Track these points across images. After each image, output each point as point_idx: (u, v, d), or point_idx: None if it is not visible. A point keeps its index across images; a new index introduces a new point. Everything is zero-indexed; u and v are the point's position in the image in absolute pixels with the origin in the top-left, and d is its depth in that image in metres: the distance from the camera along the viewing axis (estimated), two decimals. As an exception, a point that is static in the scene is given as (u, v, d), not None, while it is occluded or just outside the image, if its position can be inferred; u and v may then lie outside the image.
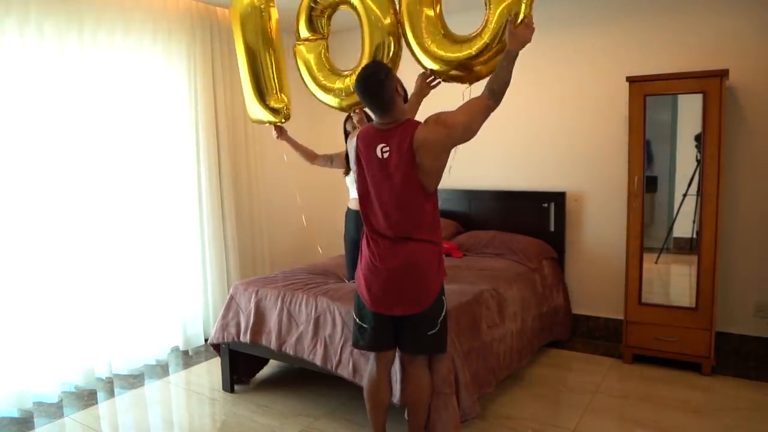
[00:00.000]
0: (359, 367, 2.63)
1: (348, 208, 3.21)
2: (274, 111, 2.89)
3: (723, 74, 3.11)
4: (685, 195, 3.39)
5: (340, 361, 2.69)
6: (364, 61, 2.49)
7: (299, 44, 2.78)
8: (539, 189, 4.04)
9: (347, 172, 3.19)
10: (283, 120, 2.93)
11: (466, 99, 2.21)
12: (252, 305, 3.07)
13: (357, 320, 2.31)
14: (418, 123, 2.13)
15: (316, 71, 2.74)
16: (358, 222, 3.14)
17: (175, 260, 3.88)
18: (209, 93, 4.02)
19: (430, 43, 2.32)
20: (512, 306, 3.18)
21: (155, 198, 3.75)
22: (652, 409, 2.88)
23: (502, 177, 4.22)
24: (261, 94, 2.87)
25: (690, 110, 3.34)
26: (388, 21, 2.44)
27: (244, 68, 2.87)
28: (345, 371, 2.67)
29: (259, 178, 4.47)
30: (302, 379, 3.39)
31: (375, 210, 2.20)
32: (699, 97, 3.19)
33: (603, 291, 3.90)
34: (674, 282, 3.62)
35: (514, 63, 2.11)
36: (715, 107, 3.13)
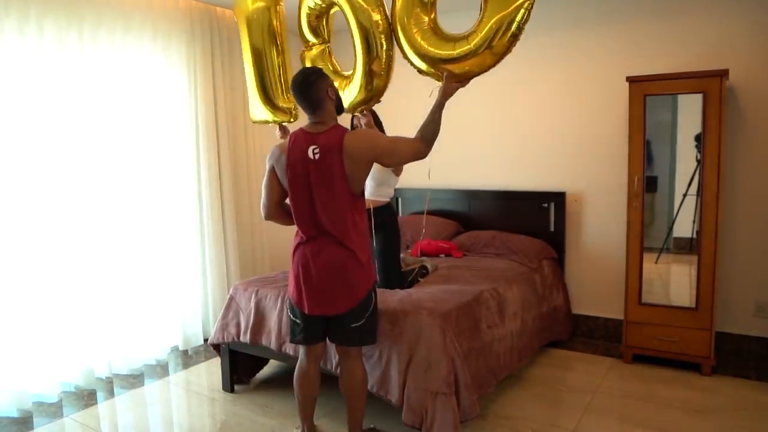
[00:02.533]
0: (359, 367, 2.62)
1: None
2: (283, 111, 2.89)
3: (723, 74, 3.11)
4: (685, 195, 3.39)
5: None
6: (360, 60, 2.48)
7: (306, 49, 2.79)
8: (539, 189, 4.05)
9: None
10: (291, 120, 2.93)
11: (434, 99, 2.29)
12: (252, 305, 3.07)
13: (291, 317, 2.47)
14: (346, 129, 2.28)
15: None
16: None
17: (174, 260, 3.87)
18: (209, 93, 4.02)
19: (415, 32, 2.30)
20: (512, 306, 3.18)
21: (155, 197, 3.74)
22: (652, 409, 2.88)
23: (502, 177, 4.22)
24: (267, 94, 2.87)
25: (690, 110, 3.34)
26: (377, 17, 2.39)
27: (250, 67, 2.86)
28: (345, 371, 2.66)
29: (260, 177, 4.44)
30: (302, 379, 3.38)
31: (303, 212, 2.30)
32: (699, 97, 3.19)
33: (603, 291, 3.90)
34: (674, 282, 3.62)
35: (441, 112, 2.30)
36: (715, 107, 3.13)
